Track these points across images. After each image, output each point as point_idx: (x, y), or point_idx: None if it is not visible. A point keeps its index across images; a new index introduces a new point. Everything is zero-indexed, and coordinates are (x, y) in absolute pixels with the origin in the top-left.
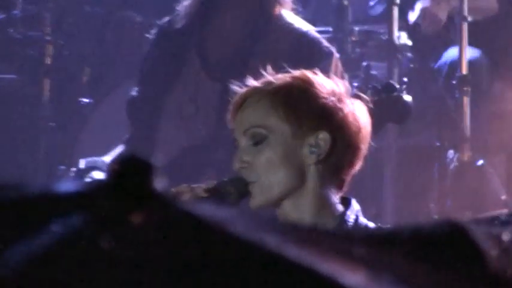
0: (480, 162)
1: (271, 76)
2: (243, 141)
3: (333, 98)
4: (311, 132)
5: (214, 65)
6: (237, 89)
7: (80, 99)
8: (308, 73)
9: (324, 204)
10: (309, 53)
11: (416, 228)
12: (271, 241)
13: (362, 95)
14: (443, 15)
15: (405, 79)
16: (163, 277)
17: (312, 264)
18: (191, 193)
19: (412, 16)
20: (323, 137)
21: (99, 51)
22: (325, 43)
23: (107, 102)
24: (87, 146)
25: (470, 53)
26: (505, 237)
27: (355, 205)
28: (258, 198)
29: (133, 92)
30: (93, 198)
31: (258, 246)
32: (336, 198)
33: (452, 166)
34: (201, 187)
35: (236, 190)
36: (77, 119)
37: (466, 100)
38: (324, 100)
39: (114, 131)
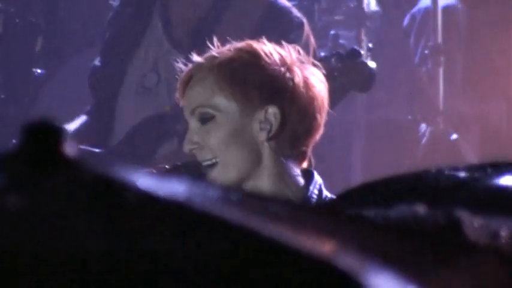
0: (453, 136)
1: (217, 50)
2: (192, 122)
3: (282, 69)
4: (260, 107)
5: (177, 34)
6: (198, 59)
7: (33, 69)
8: (253, 43)
9: (285, 180)
10: (278, 23)
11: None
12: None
13: (316, 62)
14: None
15: (370, 45)
16: (72, 240)
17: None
18: None
19: None
20: (272, 111)
21: (54, 19)
22: (296, 12)
23: (61, 73)
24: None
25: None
26: (503, 233)
27: (317, 178)
28: (218, 178)
29: (96, 62)
30: (3, 164)
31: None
32: (296, 171)
33: (424, 140)
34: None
35: (190, 174)
36: (29, 90)
37: (440, 71)
38: (271, 72)
39: (68, 102)
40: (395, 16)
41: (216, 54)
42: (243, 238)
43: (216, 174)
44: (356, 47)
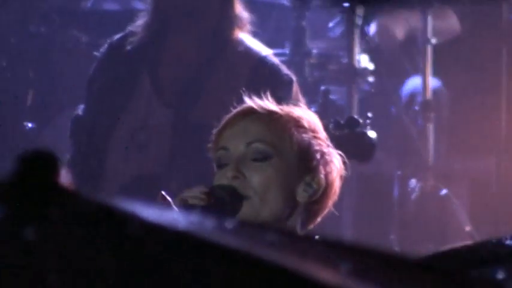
0: (443, 191)
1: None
2: (241, 152)
3: (328, 144)
4: (310, 171)
5: (167, 90)
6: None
7: (24, 123)
8: (315, 116)
9: None
10: (268, 80)
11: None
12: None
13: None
14: (400, 33)
15: (370, 114)
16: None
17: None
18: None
19: (371, 31)
20: (318, 180)
21: (44, 73)
22: (285, 70)
23: (52, 126)
24: None
25: (432, 82)
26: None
27: None
28: (247, 215)
29: (79, 111)
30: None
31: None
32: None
33: (414, 196)
34: (195, 195)
35: (230, 198)
36: (21, 144)
37: (430, 127)
38: (323, 145)
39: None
40: (388, 75)
41: (282, 108)
42: (239, 262)
43: (250, 206)
44: (355, 116)
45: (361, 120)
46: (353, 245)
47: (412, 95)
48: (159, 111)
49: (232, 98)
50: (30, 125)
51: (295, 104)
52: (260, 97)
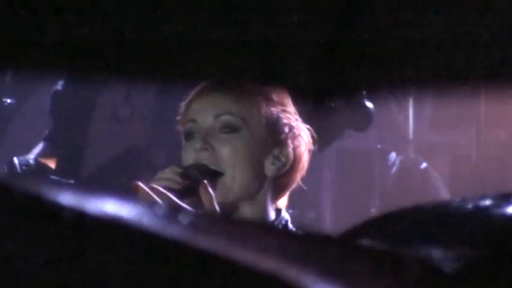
0: (423, 165)
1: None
2: (209, 124)
3: (296, 118)
4: (278, 145)
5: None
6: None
7: (3, 99)
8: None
9: (263, 213)
10: None
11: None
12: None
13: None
14: None
15: None
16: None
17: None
18: (159, 184)
19: None
20: (287, 153)
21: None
22: None
23: (31, 102)
24: (12, 147)
25: None
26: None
27: (284, 214)
28: (220, 194)
29: (58, 86)
30: None
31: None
32: (272, 206)
33: (394, 169)
34: (168, 177)
35: (204, 177)
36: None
37: (409, 100)
38: (291, 119)
39: (38, 131)
40: None
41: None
42: (173, 249)
43: (221, 185)
44: None
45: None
46: (275, 228)
47: None
48: (143, 86)
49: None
50: (9, 101)
51: None
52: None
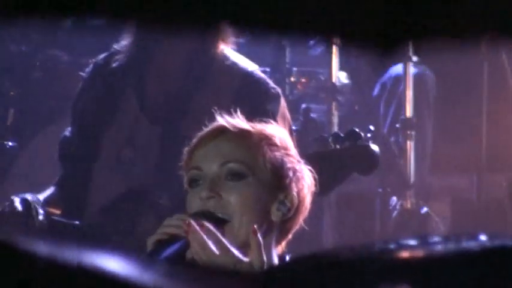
0: (424, 209)
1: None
2: (215, 172)
3: (299, 161)
4: (283, 189)
5: (153, 107)
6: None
7: (5, 142)
8: (286, 131)
9: (269, 258)
10: (256, 94)
11: None
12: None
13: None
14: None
15: (371, 127)
16: None
17: None
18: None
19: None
20: (292, 198)
21: (25, 92)
22: (272, 84)
23: (33, 145)
24: (13, 189)
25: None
26: None
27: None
28: (227, 241)
29: (66, 132)
30: None
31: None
32: (276, 251)
33: (395, 213)
34: (179, 225)
35: (212, 224)
36: (1, 162)
37: (410, 144)
38: (294, 162)
39: (40, 173)
40: (366, 89)
41: (252, 125)
42: None
43: (228, 231)
44: (355, 129)
45: (362, 133)
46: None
47: (383, 85)
48: (146, 128)
49: (221, 112)
50: (10, 143)
51: (266, 121)
52: (250, 111)
